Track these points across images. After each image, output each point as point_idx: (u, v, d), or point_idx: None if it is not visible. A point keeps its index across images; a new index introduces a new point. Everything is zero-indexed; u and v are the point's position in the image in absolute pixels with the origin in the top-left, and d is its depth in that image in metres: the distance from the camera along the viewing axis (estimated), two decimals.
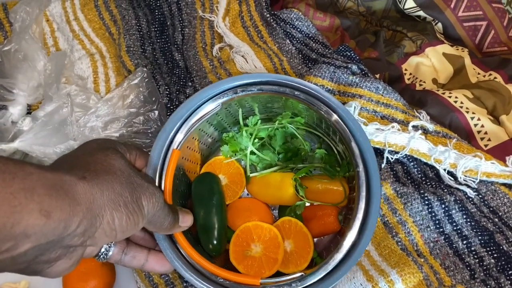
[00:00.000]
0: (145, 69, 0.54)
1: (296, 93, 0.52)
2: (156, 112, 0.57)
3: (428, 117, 0.65)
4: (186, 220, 0.46)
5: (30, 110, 0.69)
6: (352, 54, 0.73)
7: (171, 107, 0.66)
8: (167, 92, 0.69)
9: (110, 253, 0.43)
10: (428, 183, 0.60)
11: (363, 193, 0.47)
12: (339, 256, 0.45)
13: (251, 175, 0.59)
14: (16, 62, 0.61)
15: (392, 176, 0.62)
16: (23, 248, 0.29)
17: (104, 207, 0.33)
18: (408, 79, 0.76)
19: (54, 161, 0.37)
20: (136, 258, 0.45)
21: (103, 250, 0.42)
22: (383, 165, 0.63)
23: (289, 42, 0.79)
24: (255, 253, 0.53)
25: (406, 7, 0.85)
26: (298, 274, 0.46)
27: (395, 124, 0.62)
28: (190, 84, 0.73)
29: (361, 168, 0.48)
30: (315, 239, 0.57)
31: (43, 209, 0.29)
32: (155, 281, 0.56)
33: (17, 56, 0.60)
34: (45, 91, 0.60)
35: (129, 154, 0.43)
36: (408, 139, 0.61)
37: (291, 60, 0.77)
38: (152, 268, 0.46)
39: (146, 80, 0.55)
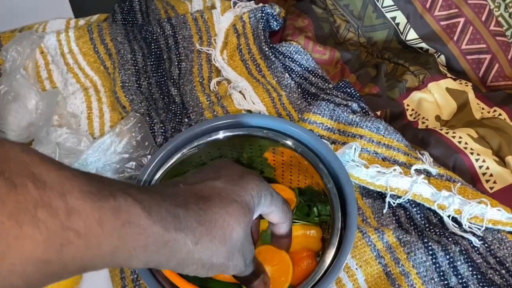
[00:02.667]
0: (137, 114, 0.52)
1: (265, 132, 0.54)
2: (149, 157, 0.55)
3: (431, 159, 0.62)
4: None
5: None
6: (352, 91, 0.71)
7: None
8: (162, 130, 0.67)
9: None
10: (432, 230, 0.58)
11: (337, 205, 0.48)
12: (325, 264, 0.45)
13: None
14: (6, 103, 0.59)
15: (394, 221, 0.60)
16: None
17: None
18: (411, 115, 0.74)
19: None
20: None
21: None
22: (385, 210, 0.60)
23: (288, 76, 0.77)
24: None
25: (408, 38, 0.83)
26: None
27: (397, 167, 0.60)
28: (186, 121, 0.71)
29: (331, 184, 0.50)
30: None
31: None
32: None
33: (7, 97, 0.59)
34: (35, 132, 0.58)
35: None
36: (411, 184, 0.59)
37: (290, 94, 0.75)
38: None
39: (139, 125, 0.53)
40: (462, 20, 0.80)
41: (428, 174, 0.61)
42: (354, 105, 0.68)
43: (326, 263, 0.46)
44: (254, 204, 0.37)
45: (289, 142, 0.54)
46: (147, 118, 0.68)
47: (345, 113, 0.67)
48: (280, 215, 0.43)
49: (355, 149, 0.61)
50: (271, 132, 0.55)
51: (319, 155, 0.53)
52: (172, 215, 0.31)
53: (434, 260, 0.54)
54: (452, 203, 0.57)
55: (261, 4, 0.83)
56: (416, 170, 0.61)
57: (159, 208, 0.31)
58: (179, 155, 0.53)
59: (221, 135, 0.54)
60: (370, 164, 0.61)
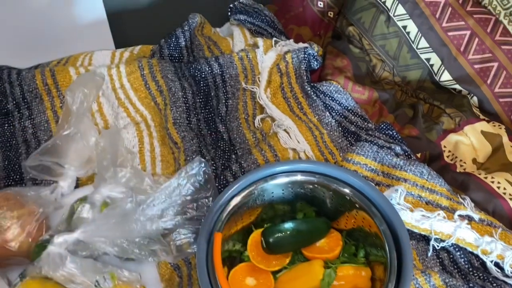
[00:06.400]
0: (203, 159, 0.56)
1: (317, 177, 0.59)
2: (210, 199, 0.58)
3: (473, 204, 0.65)
4: None
5: (78, 182, 0.70)
6: (394, 133, 0.74)
7: (218, 186, 0.67)
8: (213, 167, 0.71)
9: None
10: (475, 274, 0.61)
11: (392, 245, 0.53)
12: None
13: (279, 275, 0.59)
14: (72, 143, 0.62)
15: (438, 264, 0.63)
16: None
17: None
18: (448, 156, 0.77)
19: None
20: None
21: None
22: (429, 253, 0.63)
23: (328, 114, 0.81)
24: None
25: (442, 79, 0.87)
26: None
27: (441, 212, 0.63)
28: (234, 157, 0.74)
29: (384, 226, 0.55)
30: None
31: None
32: None
33: (73, 137, 0.62)
34: (98, 170, 0.61)
35: None
36: (455, 228, 0.62)
37: (331, 133, 0.79)
38: None
39: (204, 169, 0.57)
40: (495, 64, 0.83)
41: (469, 219, 0.64)
42: (397, 148, 0.71)
43: None
44: None
45: (345, 189, 0.57)
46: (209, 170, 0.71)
47: (388, 156, 0.70)
48: None
49: (400, 192, 0.65)
50: (325, 177, 0.59)
51: (370, 199, 0.57)
52: None
53: None
54: (495, 249, 0.60)
55: (302, 44, 0.86)
56: (459, 215, 0.64)
57: None
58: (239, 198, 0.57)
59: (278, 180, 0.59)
60: (415, 208, 0.64)
